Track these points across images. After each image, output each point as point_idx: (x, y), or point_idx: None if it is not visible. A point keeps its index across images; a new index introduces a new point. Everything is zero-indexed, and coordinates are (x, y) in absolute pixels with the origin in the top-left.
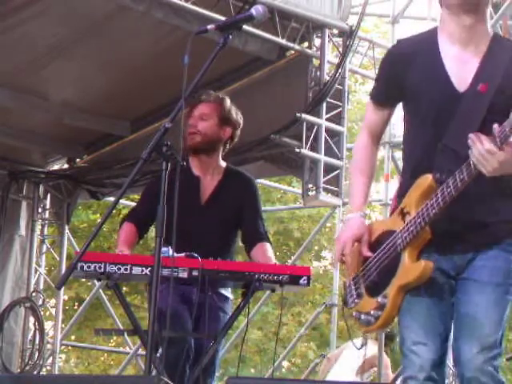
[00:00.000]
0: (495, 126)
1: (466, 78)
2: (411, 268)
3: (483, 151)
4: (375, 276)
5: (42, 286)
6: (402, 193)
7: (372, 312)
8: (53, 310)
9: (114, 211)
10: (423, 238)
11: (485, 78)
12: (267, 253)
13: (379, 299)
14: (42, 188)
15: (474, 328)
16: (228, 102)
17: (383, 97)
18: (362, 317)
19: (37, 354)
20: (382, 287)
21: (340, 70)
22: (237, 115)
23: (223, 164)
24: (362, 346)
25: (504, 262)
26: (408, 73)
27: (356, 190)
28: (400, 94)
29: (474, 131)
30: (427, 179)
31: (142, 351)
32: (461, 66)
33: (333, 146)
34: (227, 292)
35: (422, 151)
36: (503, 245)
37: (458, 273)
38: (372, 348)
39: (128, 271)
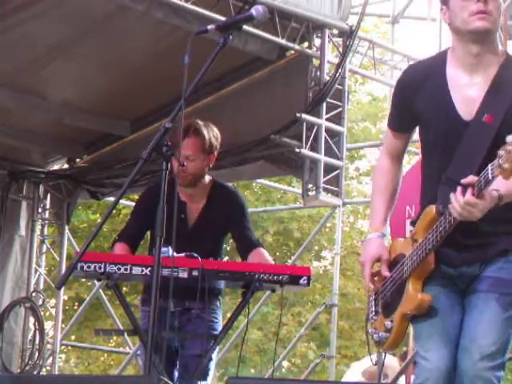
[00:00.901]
0: (472, 178)
1: (471, 106)
2: (411, 298)
3: (462, 204)
4: (389, 297)
5: (42, 286)
6: (415, 218)
7: (380, 334)
8: (53, 310)
9: (114, 211)
10: (426, 269)
11: (490, 109)
12: (264, 256)
13: (387, 323)
14: (41, 188)
15: (475, 337)
16: (205, 131)
17: (398, 124)
18: (375, 335)
19: (37, 353)
20: (392, 309)
21: (340, 70)
22: (216, 139)
23: (207, 179)
24: (377, 363)
25: (508, 273)
26: (417, 100)
27: (375, 210)
28: (413, 121)
29: (478, 163)
30: (431, 211)
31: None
32: (467, 94)
33: (333, 146)
34: (212, 304)
35: (431, 180)
36: (508, 257)
37: (466, 285)
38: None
39: (128, 271)
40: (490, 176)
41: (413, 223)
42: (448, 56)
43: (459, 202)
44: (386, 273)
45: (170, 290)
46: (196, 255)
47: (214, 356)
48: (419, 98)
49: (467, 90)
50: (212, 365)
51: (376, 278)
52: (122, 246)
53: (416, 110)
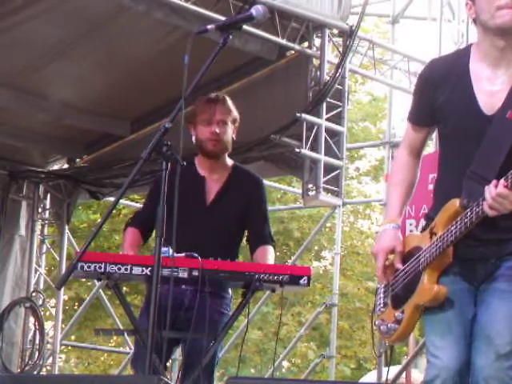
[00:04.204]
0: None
1: (493, 100)
2: (426, 290)
3: (494, 195)
4: (400, 289)
5: (42, 286)
6: (433, 214)
7: (389, 325)
8: (53, 310)
9: (114, 211)
10: (443, 262)
11: None
12: (266, 256)
13: (397, 314)
14: (42, 188)
15: (490, 336)
16: (231, 102)
17: (418, 119)
18: (382, 327)
19: (37, 353)
20: (403, 301)
21: (340, 70)
22: (236, 113)
23: (230, 162)
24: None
25: None
26: (438, 95)
27: (391, 202)
28: (433, 115)
29: (502, 158)
30: (454, 204)
31: None
32: (489, 87)
33: (333, 145)
34: (224, 291)
35: (450, 174)
36: None
37: (481, 281)
38: None
39: (128, 271)
40: None
41: (427, 217)
42: (472, 50)
43: (491, 193)
44: (398, 265)
45: (170, 291)
46: (196, 255)
47: (220, 347)
48: (441, 91)
49: (490, 84)
50: (217, 356)
51: (388, 271)
52: (133, 232)
53: (437, 104)
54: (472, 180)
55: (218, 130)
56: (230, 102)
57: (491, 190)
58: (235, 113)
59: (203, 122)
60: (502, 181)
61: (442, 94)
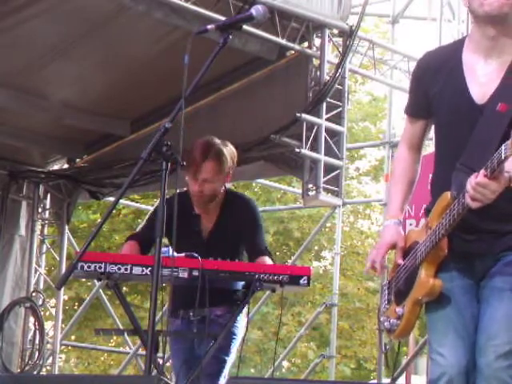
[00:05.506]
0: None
1: (484, 89)
2: (423, 284)
3: (474, 185)
4: (401, 284)
5: (42, 286)
6: (430, 207)
7: (392, 321)
8: (53, 310)
9: (114, 211)
10: (438, 255)
11: (505, 97)
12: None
13: (398, 309)
14: (41, 188)
15: (489, 336)
16: (225, 153)
17: (414, 109)
18: (386, 323)
19: (37, 353)
20: (404, 296)
21: (340, 70)
22: (232, 158)
23: (222, 190)
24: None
25: None
26: (432, 84)
27: (393, 198)
28: (429, 108)
29: (492, 151)
30: (446, 197)
31: (141, 351)
32: (481, 77)
33: (333, 146)
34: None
35: (443, 166)
36: None
37: (480, 277)
38: None
39: (128, 271)
40: (503, 156)
41: (426, 211)
42: (466, 41)
43: (471, 183)
44: (399, 260)
45: (170, 290)
46: (196, 255)
47: (230, 358)
48: (435, 81)
49: (481, 74)
50: (226, 366)
51: (390, 266)
52: (130, 245)
53: (431, 94)
54: (462, 172)
55: (200, 189)
56: (224, 156)
57: (471, 180)
58: (228, 165)
59: (189, 175)
60: (481, 170)
61: (436, 83)
